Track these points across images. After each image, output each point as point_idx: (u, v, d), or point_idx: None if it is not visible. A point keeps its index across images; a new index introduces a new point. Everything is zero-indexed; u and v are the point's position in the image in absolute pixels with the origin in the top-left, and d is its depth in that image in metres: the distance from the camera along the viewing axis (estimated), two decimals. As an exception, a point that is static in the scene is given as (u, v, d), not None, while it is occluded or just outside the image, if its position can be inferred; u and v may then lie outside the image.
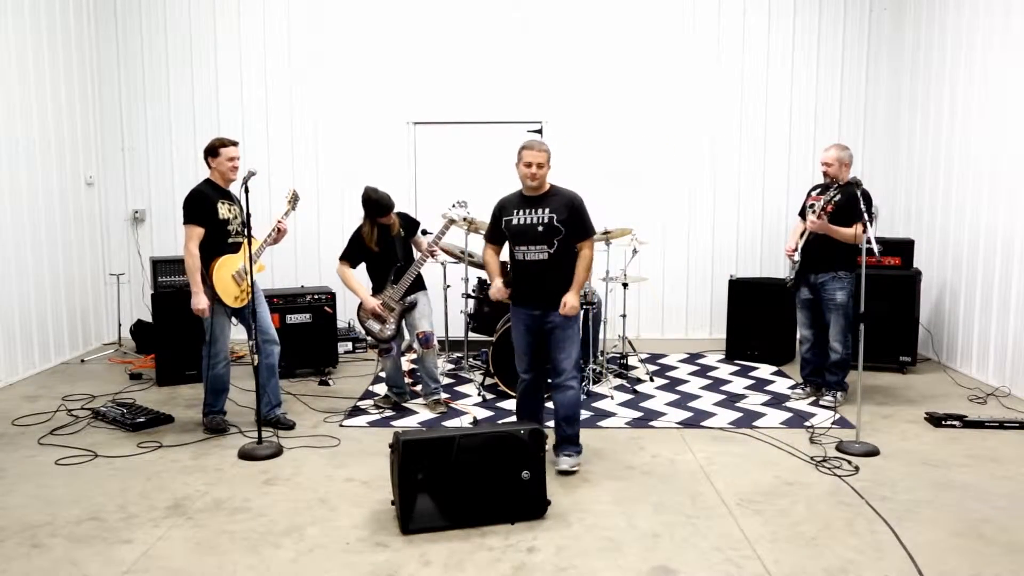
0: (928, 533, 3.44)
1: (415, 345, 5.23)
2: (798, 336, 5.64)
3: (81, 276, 7.07)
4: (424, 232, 5.48)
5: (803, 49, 7.44)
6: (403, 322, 5.22)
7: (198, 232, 4.61)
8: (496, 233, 4.30)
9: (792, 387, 5.77)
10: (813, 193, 5.46)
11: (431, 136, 7.50)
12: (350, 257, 5.23)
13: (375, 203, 5.09)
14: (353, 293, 5.18)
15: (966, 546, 3.33)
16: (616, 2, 7.38)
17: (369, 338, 5.31)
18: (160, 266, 6.05)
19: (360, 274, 5.25)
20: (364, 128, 7.51)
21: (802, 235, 5.32)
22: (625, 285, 6.15)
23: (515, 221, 4.14)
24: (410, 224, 5.35)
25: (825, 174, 5.31)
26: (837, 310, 5.23)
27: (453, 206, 5.22)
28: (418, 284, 5.26)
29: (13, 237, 6.09)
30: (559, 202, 4.12)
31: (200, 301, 4.58)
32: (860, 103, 7.45)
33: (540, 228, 4.08)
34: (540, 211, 4.10)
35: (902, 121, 7.27)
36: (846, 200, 5.05)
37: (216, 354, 4.75)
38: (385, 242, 5.18)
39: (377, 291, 5.21)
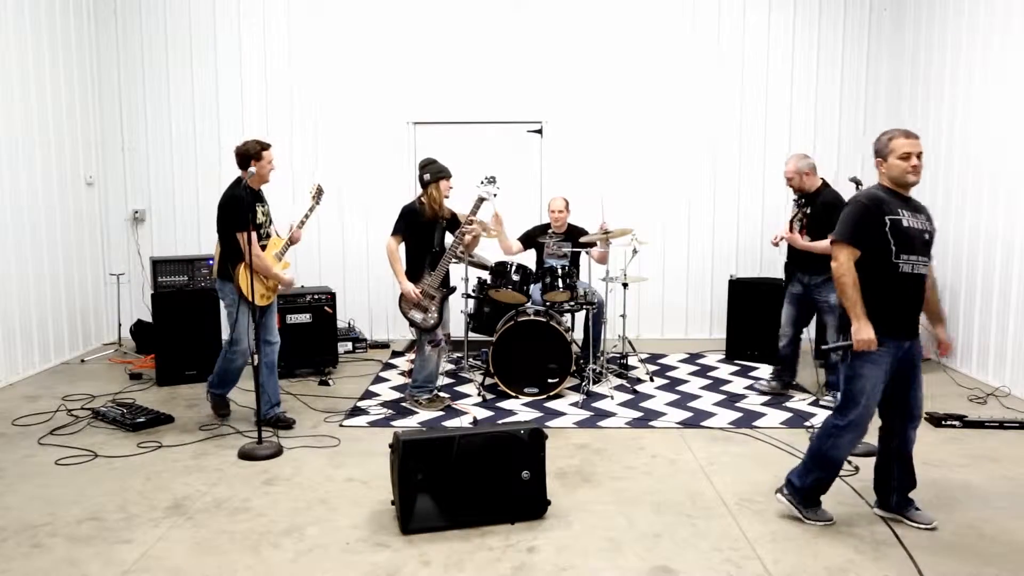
0: (928, 533, 3.44)
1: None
2: (780, 330, 5.61)
3: (81, 276, 7.07)
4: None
5: (803, 49, 7.43)
6: (444, 310, 5.16)
7: (250, 236, 4.66)
8: (877, 234, 3.35)
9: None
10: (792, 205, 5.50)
11: (431, 136, 7.49)
12: (404, 231, 5.17)
13: (439, 165, 5.14)
14: (395, 275, 5.18)
15: (966, 546, 3.33)
16: (616, 2, 7.38)
17: (413, 329, 5.27)
18: (160, 266, 6.03)
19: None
20: (364, 128, 7.51)
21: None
22: (625, 285, 6.15)
23: (905, 223, 3.36)
24: (455, 220, 5.34)
25: (789, 186, 5.34)
26: (831, 312, 5.24)
27: (482, 183, 5.13)
28: (447, 282, 5.25)
29: (13, 237, 6.09)
30: (922, 206, 3.52)
31: (290, 279, 4.99)
32: (860, 103, 7.45)
33: (927, 235, 3.43)
34: (921, 216, 3.45)
35: (902, 121, 7.26)
36: (821, 209, 5.07)
37: (235, 350, 4.84)
38: (432, 224, 5.17)
39: (412, 279, 5.17)
